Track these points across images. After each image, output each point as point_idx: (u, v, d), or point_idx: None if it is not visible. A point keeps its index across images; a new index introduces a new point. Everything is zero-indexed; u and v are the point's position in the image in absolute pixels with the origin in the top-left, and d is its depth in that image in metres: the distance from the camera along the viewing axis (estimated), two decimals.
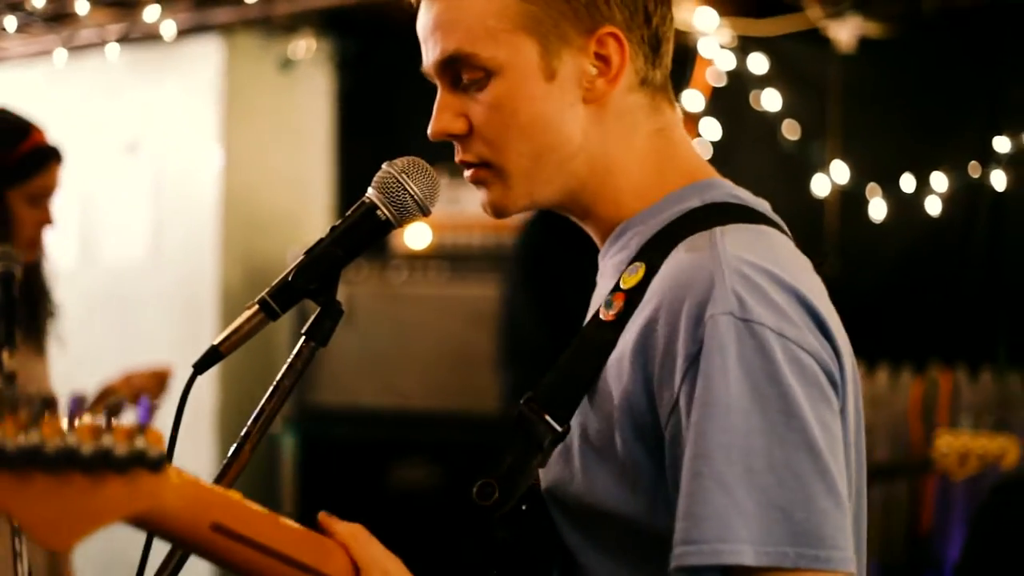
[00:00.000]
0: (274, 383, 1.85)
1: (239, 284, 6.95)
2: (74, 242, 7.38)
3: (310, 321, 1.85)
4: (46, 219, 3.52)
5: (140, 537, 1.68)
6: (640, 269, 1.73)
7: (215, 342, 1.85)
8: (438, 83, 1.84)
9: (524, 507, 1.77)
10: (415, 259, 6.24)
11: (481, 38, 1.76)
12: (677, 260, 1.68)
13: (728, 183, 1.85)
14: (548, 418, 1.72)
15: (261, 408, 1.84)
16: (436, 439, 6.16)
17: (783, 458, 1.55)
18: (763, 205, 1.84)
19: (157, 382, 3.87)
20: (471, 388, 6.05)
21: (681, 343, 1.60)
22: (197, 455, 6.40)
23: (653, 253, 1.73)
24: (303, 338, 1.85)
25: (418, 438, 6.21)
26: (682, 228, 1.74)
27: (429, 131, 1.83)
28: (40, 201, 3.49)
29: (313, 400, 6.26)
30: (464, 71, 1.79)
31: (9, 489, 1.22)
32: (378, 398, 6.27)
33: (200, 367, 1.85)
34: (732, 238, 1.67)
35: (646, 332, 1.65)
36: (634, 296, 1.71)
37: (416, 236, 6.19)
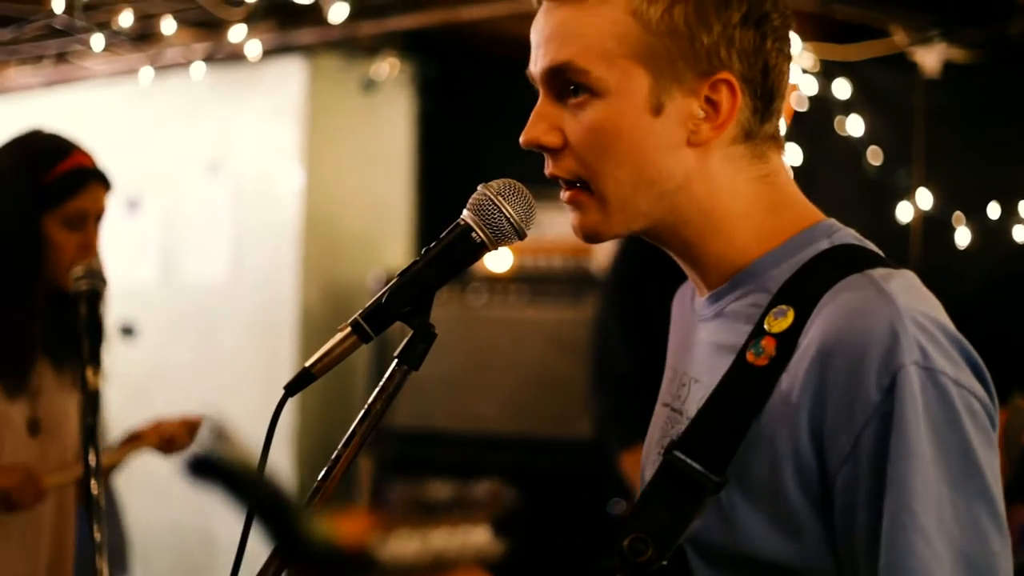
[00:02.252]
0: (365, 406, 1.83)
1: (318, 305, 6.96)
2: (155, 261, 7.42)
3: (403, 344, 1.83)
4: (86, 243, 3.33)
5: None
6: (789, 313, 1.69)
7: (307, 364, 1.84)
8: (540, 90, 1.81)
9: (665, 561, 1.72)
10: (495, 282, 6.23)
11: (596, 57, 1.73)
12: (842, 305, 1.65)
13: (842, 225, 1.82)
14: (702, 468, 1.68)
15: (352, 431, 1.83)
16: (513, 463, 6.13)
17: (965, 506, 1.57)
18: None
19: (186, 431, 3.60)
20: (549, 412, 6.02)
21: (863, 390, 1.59)
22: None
23: (799, 296, 1.70)
24: (395, 361, 1.83)
25: (495, 462, 6.18)
26: (824, 270, 1.71)
27: (521, 138, 1.80)
28: (79, 225, 3.32)
29: (390, 422, 6.25)
30: (570, 85, 1.76)
31: None
32: (455, 421, 6.26)
33: (292, 389, 1.84)
34: (896, 285, 1.66)
35: (815, 376, 1.62)
36: (787, 340, 1.67)
37: (497, 259, 6.18)
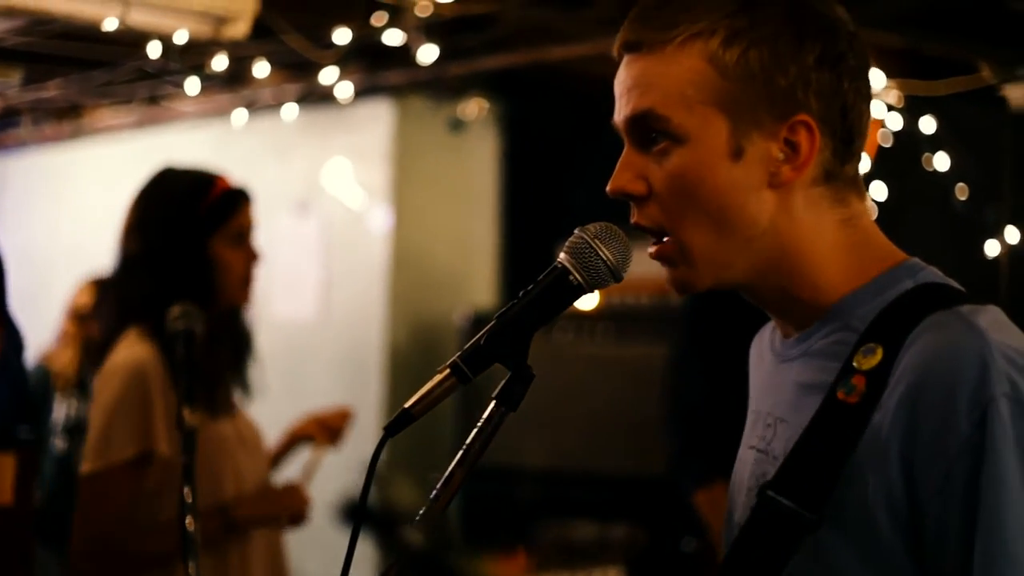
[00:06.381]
0: (464, 447, 1.86)
1: (406, 343, 6.99)
2: None
3: (500, 385, 1.85)
4: (252, 256, 3.68)
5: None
6: (878, 350, 1.70)
7: (406, 405, 1.86)
8: (625, 140, 1.85)
9: None
10: (582, 319, 6.23)
11: (676, 104, 1.76)
12: (931, 341, 1.66)
13: (925, 264, 1.83)
14: (797, 507, 1.70)
15: (451, 471, 1.85)
16: (599, 500, 6.11)
17: None
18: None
19: (340, 422, 4.08)
20: (636, 450, 6.00)
21: (954, 423, 1.60)
22: None
23: (888, 333, 1.71)
24: (493, 402, 1.85)
25: (581, 499, 6.17)
26: (911, 308, 1.72)
27: (608, 187, 1.83)
28: (242, 241, 3.63)
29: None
30: (652, 133, 1.79)
31: None
32: (542, 458, 6.25)
33: (392, 429, 1.85)
34: (984, 320, 1.67)
35: (906, 412, 1.64)
36: (877, 377, 1.69)
37: (584, 297, 6.15)
